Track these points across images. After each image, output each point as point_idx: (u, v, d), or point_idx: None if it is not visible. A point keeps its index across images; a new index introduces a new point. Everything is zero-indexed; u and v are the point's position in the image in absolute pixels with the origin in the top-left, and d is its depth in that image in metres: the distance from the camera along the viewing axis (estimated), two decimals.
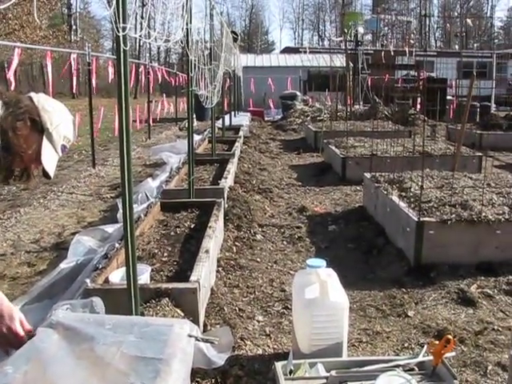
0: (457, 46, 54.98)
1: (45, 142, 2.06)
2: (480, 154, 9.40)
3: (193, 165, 6.16)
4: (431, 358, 2.73)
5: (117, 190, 8.23)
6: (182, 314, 3.32)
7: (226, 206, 6.22)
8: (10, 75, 7.94)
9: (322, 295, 2.99)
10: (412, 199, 5.47)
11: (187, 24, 4.93)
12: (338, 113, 16.38)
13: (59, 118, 2.11)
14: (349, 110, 16.03)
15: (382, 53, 20.46)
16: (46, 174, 2.12)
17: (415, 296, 4.30)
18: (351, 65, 19.75)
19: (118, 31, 2.66)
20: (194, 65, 5.96)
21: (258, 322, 3.90)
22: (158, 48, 63.13)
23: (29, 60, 29.66)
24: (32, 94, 2.10)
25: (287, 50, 40.10)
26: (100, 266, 3.83)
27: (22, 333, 2.19)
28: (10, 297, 4.19)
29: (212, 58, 8.13)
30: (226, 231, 5.63)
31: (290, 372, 2.74)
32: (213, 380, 3.02)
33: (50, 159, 2.10)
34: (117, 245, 4.27)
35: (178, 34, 4.08)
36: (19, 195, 8.05)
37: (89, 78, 11.00)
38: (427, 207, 5.12)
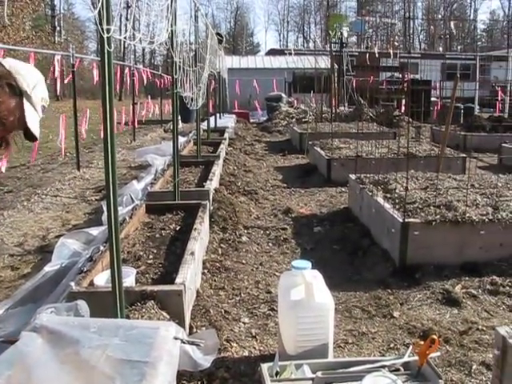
0: (441, 48, 55.41)
1: (26, 104, 2.01)
2: (464, 155, 9.47)
3: (178, 167, 6.14)
4: (416, 358, 2.75)
5: (101, 192, 8.18)
6: (168, 317, 3.31)
7: (212, 207, 6.20)
8: None
9: (307, 297, 3.00)
10: (397, 200, 5.50)
11: (172, 26, 4.92)
12: (323, 114, 16.45)
13: (34, 79, 2.05)
14: (334, 111, 16.09)
15: (367, 55, 20.56)
16: (30, 137, 2.05)
17: (400, 297, 4.32)
18: (336, 66, 19.83)
19: (103, 33, 2.65)
20: (179, 66, 5.95)
21: (244, 323, 3.89)
22: (143, 50, 62.89)
23: None
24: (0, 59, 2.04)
25: (272, 52, 40.13)
26: (85, 269, 3.80)
27: None
28: None
29: (197, 59, 8.12)
30: (211, 233, 5.63)
31: (276, 374, 2.74)
32: (199, 382, 3.01)
33: (33, 121, 2.04)
34: (102, 247, 4.25)
35: (162, 35, 4.07)
36: (2, 198, 7.98)
37: (73, 79, 10.95)
38: (412, 208, 5.14)
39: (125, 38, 3.21)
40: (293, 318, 3.00)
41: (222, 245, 5.48)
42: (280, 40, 74.58)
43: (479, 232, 4.86)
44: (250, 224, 6.38)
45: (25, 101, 1.99)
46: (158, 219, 5.53)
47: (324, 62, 21.19)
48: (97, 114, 14.70)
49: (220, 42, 15.29)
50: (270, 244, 5.78)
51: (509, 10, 61.53)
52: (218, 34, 14.84)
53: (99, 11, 2.58)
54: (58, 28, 50.50)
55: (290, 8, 73.53)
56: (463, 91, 12.00)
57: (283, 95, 22.97)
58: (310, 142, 11.32)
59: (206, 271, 4.71)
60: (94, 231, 5.14)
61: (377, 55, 18.62)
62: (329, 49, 20.69)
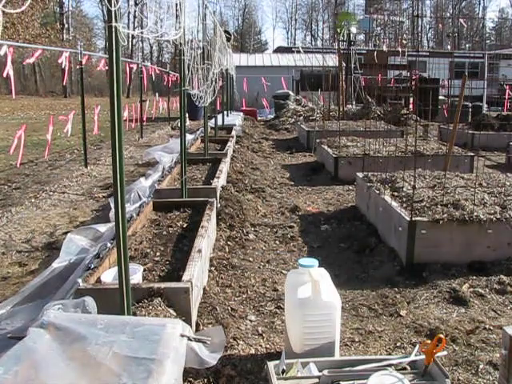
0: (449, 47, 55.15)
1: None
2: (472, 153, 9.44)
3: (185, 164, 6.15)
4: (423, 357, 2.74)
5: (109, 189, 8.21)
6: (175, 314, 3.31)
7: (219, 205, 6.21)
8: (9, 73, 7.84)
9: (314, 295, 2.99)
10: (404, 199, 5.49)
11: (180, 23, 4.91)
12: (331, 112, 16.41)
13: None
14: (341, 109, 16.06)
15: (375, 53, 20.50)
16: None
17: (407, 295, 4.31)
18: (344, 64, 19.77)
19: (111, 30, 2.65)
20: (187, 64, 5.95)
21: (251, 321, 3.89)
22: (151, 47, 63.13)
23: (20, 58, 29.52)
24: None
25: (280, 50, 40.10)
26: (92, 266, 3.81)
27: None
28: (0, 297, 4.18)
29: (205, 57, 8.12)
30: (218, 231, 5.63)
31: (283, 372, 2.74)
32: (205, 380, 3.01)
33: None
34: (109, 244, 4.26)
35: (171, 33, 4.07)
36: (10, 194, 8.01)
37: (81, 76, 10.97)
38: (419, 207, 5.13)
39: (133, 36, 3.20)
40: (299, 316, 3.00)
41: (228, 242, 5.49)
42: (288, 38, 74.70)
43: (487, 231, 4.84)
44: (257, 222, 6.38)
45: None
46: (165, 216, 5.54)
47: (332, 60, 21.12)
48: (104, 111, 14.74)
49: (228, 39, 15.27)
50: (277, 242, 5.78)
51: None
52: (225, 31, 14.82)
53: (107, 8, 2.58)
54: (66, 25, 50.62)
55: (298, 6, 73.62)
56: (471, 90, 11.94)
57: (291, 93, 22.95)
58: (317, 140, 11.31)
59: (212, 269, 4.72)
60: (102, 228, 5.15)
61: (386, 51, 18.51)
62: (337, 47, 20.64)
